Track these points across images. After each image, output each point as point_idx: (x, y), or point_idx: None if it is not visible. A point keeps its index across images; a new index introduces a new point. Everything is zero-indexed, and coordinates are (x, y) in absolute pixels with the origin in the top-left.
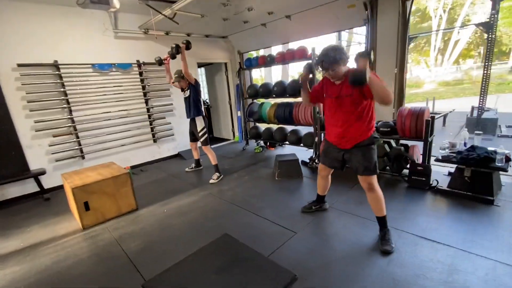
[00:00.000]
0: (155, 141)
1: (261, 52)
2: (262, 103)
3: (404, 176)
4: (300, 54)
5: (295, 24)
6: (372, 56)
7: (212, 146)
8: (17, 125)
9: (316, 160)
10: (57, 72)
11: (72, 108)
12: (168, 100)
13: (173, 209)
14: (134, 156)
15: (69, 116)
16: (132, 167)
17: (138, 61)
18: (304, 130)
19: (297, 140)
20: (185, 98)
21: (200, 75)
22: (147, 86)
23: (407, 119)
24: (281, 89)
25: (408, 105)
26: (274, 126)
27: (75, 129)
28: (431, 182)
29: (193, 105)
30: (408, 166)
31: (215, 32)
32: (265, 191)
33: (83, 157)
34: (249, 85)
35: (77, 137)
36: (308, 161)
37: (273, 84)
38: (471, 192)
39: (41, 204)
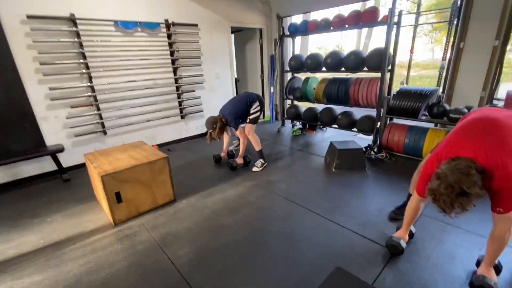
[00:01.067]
0: (183, 117)
1: (300, 17)
2: (308, 78)
3: None
4: (370, 17)
5: None
6: None
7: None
8: (30, 92)
9: (376, 149)
10: (74, 29)
11: (92, 74)
12: (198, 70)
13: (219, 203)
14: (160, 133)
15: (88, 84)
16: (159, 146)
17: (166, 20)
18: (358, 112)
19: (349, 123)
20: None
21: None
22: (176, 52)
23: None
24: (336, 62)
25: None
26: (317, 106)
27: (96, 100)
28: None
29: None
30: None
31: None
32: (324, 186)
33: (104, 133)
34: (292, 56)
35: (98, 109)
36: (364, 149)
37: (326, 55)
38: None
39: (61, 186)
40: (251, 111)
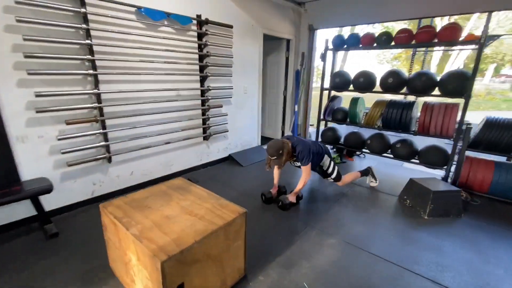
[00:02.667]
0: (206, 138)
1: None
2: (356, 99)
3: None
4: (450, 35)
5: None
6: None
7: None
8: (2, 98)
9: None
10: (81, 9)
11: (100, 77)
12: (227, 81)
13: (312, 277)
14: (179, 158)
15: (94, 91)
16: (175, 175)
17: (199, 16)
18: (420, 142)
19: (409, 153)
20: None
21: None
22: (206, 57)
23: None
24: (398, 82)
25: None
26: (360, 130)
27: (101, 114)
28: None
29: None
30: None
31: None
32: (433, 244)
33: (109, 160)
34: (336, 73)
35: (103, 126)
36: None
37: (385, 75)
38: None
39: (44, 245)
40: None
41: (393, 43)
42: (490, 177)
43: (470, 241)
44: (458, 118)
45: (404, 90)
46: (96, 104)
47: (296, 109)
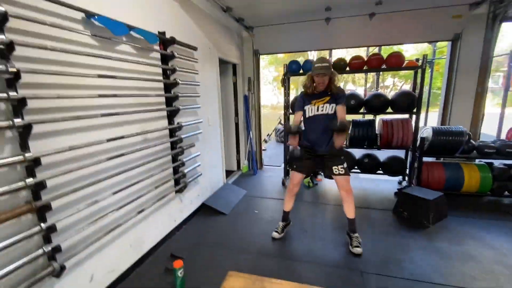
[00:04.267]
0: (180, 190)
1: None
2: None
3: None
4: (396, 61)
5: (374, 25)
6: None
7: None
8: None
9: None
10: None
11: (35, 129)
12: (196, 114)
13: None
14: (150, 227)
15: (20, 157)
16: (149, 254)
17: (162, 33)
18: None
19: (374, 166)
20: (319, 117)
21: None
22: (174, 87)
23: None
24: (358, 103)
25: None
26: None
27: (38, 195)
28: None
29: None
30: None
31: (237, 10)
32: (455, 251)
33: (57, 274)
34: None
35: (42, 217)
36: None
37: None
38: None
39: None
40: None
41: (348, 69)
42: (443, 175)
43: (481, 238)
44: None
45: (362, 109)
46: (30, 181)
47: (250, 135)
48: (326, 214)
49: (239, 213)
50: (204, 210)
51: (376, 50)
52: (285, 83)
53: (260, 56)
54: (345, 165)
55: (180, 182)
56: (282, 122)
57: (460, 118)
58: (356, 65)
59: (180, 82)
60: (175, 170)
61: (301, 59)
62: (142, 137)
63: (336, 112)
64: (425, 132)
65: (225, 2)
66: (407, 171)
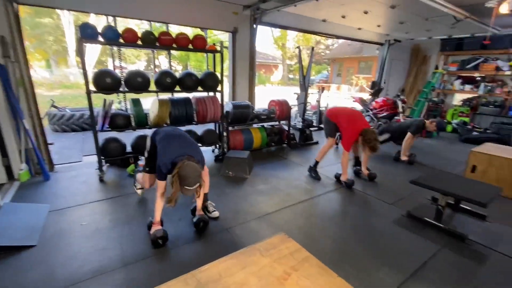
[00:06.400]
0: None
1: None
2: (137, 100)
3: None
4: (200, 43)
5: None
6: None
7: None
8: None
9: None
10: None
11: None
12: None
13: None
14: None
15: None
16: None
17: None
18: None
19: (196, 141)
20: None
21: None
22: None
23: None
24: (174, 82)
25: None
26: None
27: None
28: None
29: None
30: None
31: None
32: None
33: None
34: (103, 71)
35: None
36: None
37: (160, 74)
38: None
39: None
40: None
41: (157, 44)
42: (242, 139)
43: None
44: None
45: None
46: None
47: (26, 126)
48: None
49: (55, 237)
50: None
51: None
52: (82, 53)
53: (21, 6)
54: None
55: None
56: (56, 104)
57: (242, 94)
58: (165, 42)
59: None
60: None
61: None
62: None
63: None
64: (227, 107)
65: None
66: (220, 140)
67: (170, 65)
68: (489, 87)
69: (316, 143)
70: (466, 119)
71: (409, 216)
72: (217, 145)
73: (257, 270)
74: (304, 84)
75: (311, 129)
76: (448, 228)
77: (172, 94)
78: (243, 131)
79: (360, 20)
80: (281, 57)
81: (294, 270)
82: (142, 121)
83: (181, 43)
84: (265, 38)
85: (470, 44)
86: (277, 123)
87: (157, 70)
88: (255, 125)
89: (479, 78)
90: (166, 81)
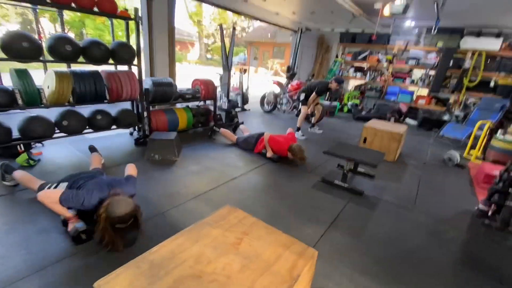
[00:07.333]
0: None
1: None
2: (24, 71)
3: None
4: (110, 7)
5: None
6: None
7: None
8: None
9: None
10: None
11: None
12: None
13: None
14: None
15: None
16: None
17: None
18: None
19: (109, 122)
20: None
21: None
22: None
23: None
24: (76, 51)
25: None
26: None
27: None
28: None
29: None
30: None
31: None
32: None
33: None
34: None
35: None
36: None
37: (57, 40)
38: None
39: None
40: None
41: (49, 0)
42: (166, 119)
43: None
44: None
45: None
46: None
47: None
48: None
49: None
50: None
51: None
52: None
53: None
54: None
55: None
56: None
57: (162, 70)
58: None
59: None
60: None
61: None
62: None
63: None
64: (146, 84)
65: None
66: (139, 122)
67: (64, 31)
68: (373, 76)
69: (242, 123)
70: (357, 101)
71: (323, 180)
72: (137, 127)
73: (210, 241)
74: (227, 65)
75: (236, 109)
76: (351, 187)
77: (70, 66)
78: (166, 111)
79: (280, 4)
80: (197, 35)
81: (245, 235)
82: (33, 98)
83: (83, 3)
84: (179, 12)
85: (361, 39)
86: (202, 103)
87: (42, 36)
88: (178, 105)
89: (366, 68)
90: (65, 49)
